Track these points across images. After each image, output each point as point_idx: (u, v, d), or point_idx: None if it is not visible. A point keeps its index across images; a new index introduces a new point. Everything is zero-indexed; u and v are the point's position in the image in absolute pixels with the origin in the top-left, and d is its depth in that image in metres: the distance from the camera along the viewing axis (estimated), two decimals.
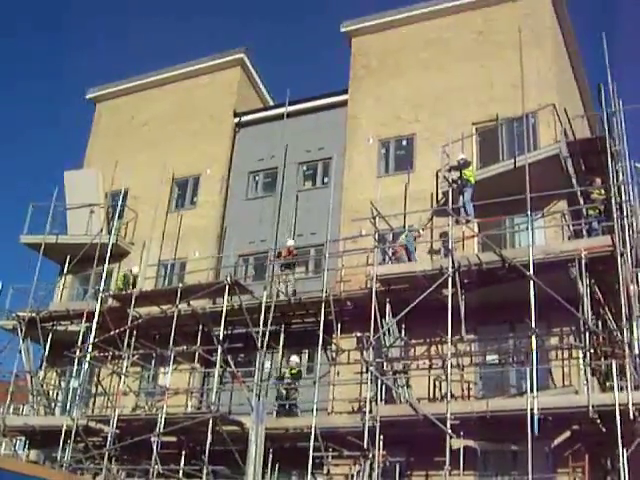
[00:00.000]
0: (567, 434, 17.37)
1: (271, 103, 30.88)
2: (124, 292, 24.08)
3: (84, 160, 31.20)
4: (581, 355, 17.91)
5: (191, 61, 30.51)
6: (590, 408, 16.04)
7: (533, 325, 17.07)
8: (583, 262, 17.42)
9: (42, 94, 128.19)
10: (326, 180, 25.13)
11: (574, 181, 20.67)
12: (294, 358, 21.47)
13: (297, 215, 24.45)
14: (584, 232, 19.68)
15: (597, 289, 18.27)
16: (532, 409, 16.26)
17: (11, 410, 25.74)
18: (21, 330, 25.12)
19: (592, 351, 17.57)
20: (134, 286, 24.73)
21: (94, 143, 31.59)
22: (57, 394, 26.73)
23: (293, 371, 21.30)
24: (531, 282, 17.46)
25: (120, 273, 25.99)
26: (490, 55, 23.78)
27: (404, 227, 22.08)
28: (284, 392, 21.16)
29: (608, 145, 19.53)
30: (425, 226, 21.88)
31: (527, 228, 19.07)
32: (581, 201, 20.48)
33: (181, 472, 20.88)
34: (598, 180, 20.07)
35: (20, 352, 25.15)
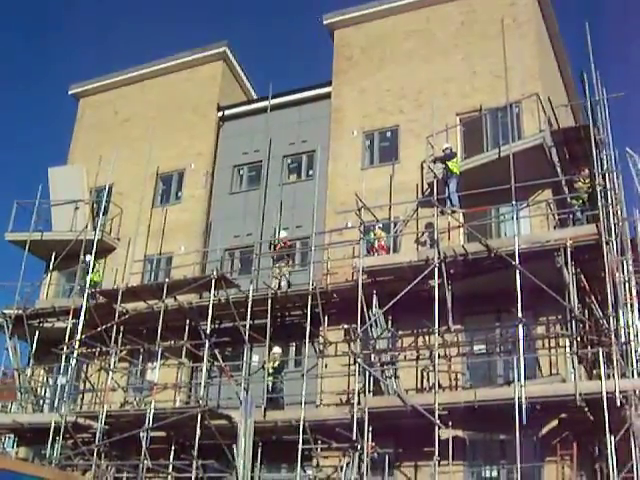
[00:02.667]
0: (555, 422, 17.48)
1: (255, 97, 30.78)
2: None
3: (68, 156, 31.04)
4: (568, 343, 17.98)
5: (173, 55, 30.38)
6: (577, 396, 16.13)
7: (520, 314, 17.12)
8: (569, 251, 17.45)
9: (24, 91, 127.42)
10: (311, 173, 25.09)
11: (559, 170, 20.73)
12: (276, 349, 21.42)
13: (282, 208, 24.37)
14: (569, 221, 19.74)
15: (583, 277, 18.33)
16: (520, 398, 16.34)
17: None
18: (7, 328, 25.06)
19: (579, 339, 17.67)
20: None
21: (78, 139, 31.43)
22: (45, 391, 26.65)
23: (275, 363, 21.26)
24: (517, 272, 17.50)
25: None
26: (473, 45, 23.76)
27: (389, 218, 22.10)
28: (270, 385, 21.12)
29: (592, 134, 19.53)
30: (407, 219, 21.89)
31: (512, 218, 19.08)
32: (566, 190, 20.55)
33: (170, 467, 20.89)
34: (586, 170, 20.05)
35: (7, 350, 25.07)
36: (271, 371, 21.09)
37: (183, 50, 30.25)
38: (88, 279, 24.74)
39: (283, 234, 23.31)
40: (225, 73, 29.72)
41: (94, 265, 25.29)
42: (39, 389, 26.39)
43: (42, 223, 27.52)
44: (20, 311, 25.02)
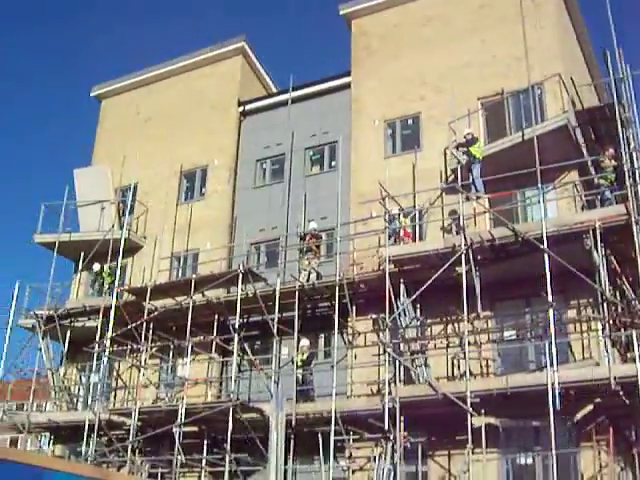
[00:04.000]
0: (590, 407, 17.26)
1: (274, 90, 30.72)
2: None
3: (92, 157, 31.19)
4: (600, 327, 17.73)
5: (192, 53, 30.42)
6: (612, 380, 15.89)
7: (550, 299, 16.92)
8: (598, 232, 17.22)
9: (48, 94, 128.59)
10: (333, 164, 25.02)
11: (584, 151, 20.46)
12: (304, 342, 21.40)
13: (306, 200, 24.33)
14: (597, 202, 19.49)
15: (613, 259, 18.06)
16: (552, 384, 16.15)
17: (34, 407, 25.90)
18: (40, 328, 25.27)
19: (611, 322, 17.37)
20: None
21: (101, 140, 31.58)
22: (78, 389, 26.88)
23: (304, 356, 21.24)
24: (545, 255, 17.30)
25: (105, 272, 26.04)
26: (492, 28, 23.48)
27: (413, 207, 21.97)
28: (300, 377, 21.10)
29: (617, 112, 19.21)
30: (428, 207, 21.76)
31: (539, 201, 18.89)
32: (592, 171, 20.27)
33: (204, 461, 21.00)
34: (611, 150, 19.74)
35: (40, 350, 25.26)
36: (300, 364, 21.07)
37: (201, 47, 30.28)
38: (116, 279, 24.94)
39: (313, 225, 23.24)
40: (244, 68, 29.70)
41: (105, 269, 25.69)
42: (72, 388, 26.61)
43: (69, 224, 27.72)
44: (51, 311, 25.22)
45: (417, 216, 22.03)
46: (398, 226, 21.28)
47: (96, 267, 25.89)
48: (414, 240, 21.19)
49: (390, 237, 21.53)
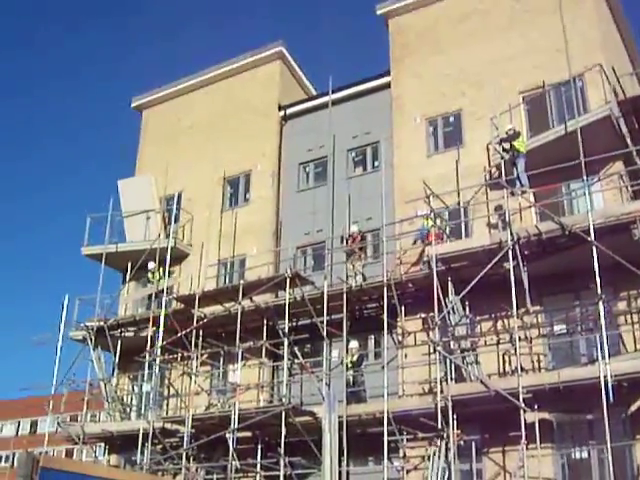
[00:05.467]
0: None
1: (314, 93, 30.74)
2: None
3: (136, 167, 31.53)
4: None
5: (231, 59, 30.57)
6: None
7: (599, 291, 16.79)
8: None
9: (93, 106, 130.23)
10: (376, 164, 25.05)
11: (628, 140, 20.25)
12: (353, 344, 21.41)
13: (351, 202, 24.35)
14: None
15: None
16: (605, 376, 16.02)
17: (88, 418, 26.18)
18: (91, 340, 25.55)
19: None
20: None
21: (144, 149, 31.88)
22: (131, 399, 27.10)
23: (353, 357, 21.24)
24: (593, 248, 17.16)
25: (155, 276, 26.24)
26: (530, 21, 23.34)
27: (458, 204, 21.92)
28: (350, 379, 21.13)
29: None
30: (466, 204, 21.69)
31: (584, 193, 18.73)
32: (638, 161, 20.05)
33: (258, 466, 21.09)
34: None
35: (92, 361, 25.54)
36: (350, 365, 21.10)
37: (240, 53, 30.42)
38: (165, 286, 25.14)
39: (353, 228, 23.28)
40: (283, 72, 29.77)
41: (156, 272, 25.87)
42: (125, 397, 26.86)
43: (116, 235, 27.94)
44: (102, 323, 25.49)
45: (462, 213, 21.96)
46: (424, 229, 21.31)
47: (151, 265, 25.95)
48: (442, 240, 21.03)
49: (415, 242, 21.60)
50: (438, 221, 21.34)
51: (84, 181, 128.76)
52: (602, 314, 16.83)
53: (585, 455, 18.14)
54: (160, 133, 31.56)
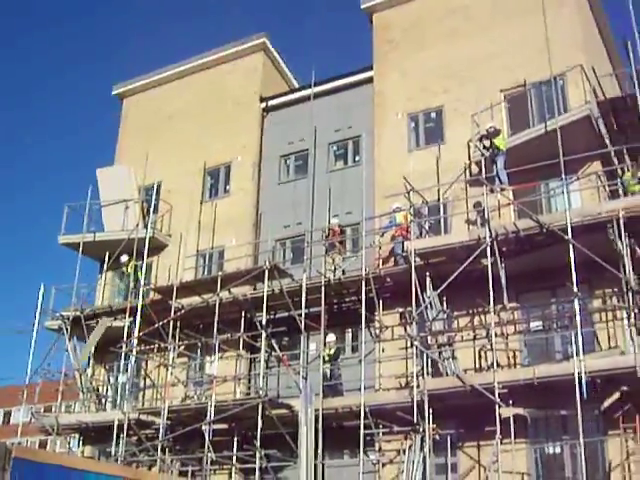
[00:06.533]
0: (616, 396, 17.25)
1: (297, 86, 30.69)
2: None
3: (115, 156, 31.36)
4: (625, 316, 17.72)
5: (213, 49, 30.48)
6: (638, 368, 15.93)
7: (575, 289, 16.95)
8: (622, 222, 17.21)
9: (70, 94, 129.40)
10: (357, 158, 25.07)
11: (607, 141, 20.43)
12: (331, 337, 21.46)
13: (331, 195, 24.40)
14: (620, 192, 19.47)
15: (637, 248, 18.04)
16: (579, 373, 16.20)
17: (63, 409, 26.05)
18: (66, 329, 25.37)
19: (636, 311, 17.38)
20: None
21: (124, 138, 31.70)
22: (107, 390, 26.98)
23: (330, 351, 21.32)
24: (570, 246, 17.32)
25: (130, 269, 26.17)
26: (513, 20, 23.44)
27: (438, 200, 22.04)
28: (327, 372, 21.21)
29: (639, 102, 19.19)
30: (444, 199, 21.81)
31: (562, 192, 18.92)
32: (615, 161, 20.25)
33: (234, 458, 21.12)
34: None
35: (67, 351, 25.39)
36: (327, 359, 21.17)
37: (223, 44, 30.35)
38: (142, 278, 25.12)
39: (333, 222, 23.34)
40: (266, 64, 29.71)
41: (132, 265, 25.81)
42: (101, 388, 26.75)
43: (94, 224, 27.81)
44: (78, 312, 25.35)
45: (441, 209, 22.08)
46: (392, 223, 21.47)
47: (124, 258, 25.87)
48: (406, 235, 21.19)
49: (383, 234, 21.83)
50: (410, 216, 21.39)
51: (63, 169, 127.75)
52: (577, 311, 17.01)
53: (558, 450, 18.34)
54: (140, 122, 31.40)
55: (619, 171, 20.01)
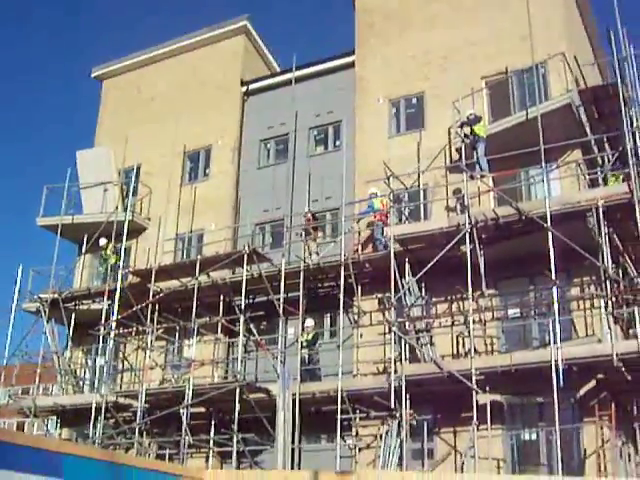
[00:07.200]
0: (592, 383, 17.43)
1: (278, 70, 30.58)
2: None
3: (95, 139, 31.15)
4: (603, 304, 17.80)
5: (194, 32, 30.27)
6: (614, 356, 16.03)
7: (553, 277, 17.02)
8: (601, 211, 17.28)
9: (48, 77, 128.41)
10: (338, 143, 25.05)
11: (588, 129, 20.50)
12: (309, 322, 21.48)
13: (311, 180, 24.36)
14: (600, 180, 19.55)
15: (616, 237, 18.12)
16: (556, 360, 16.28)
17: (40, 391, 25.97)
18: (44, 312, 25.25)
19: (614, 299, 17.48)
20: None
21: (103, 121, 31.50)
22: (84, 372, 26.94)
23: (309, 336, 21.35)
24: (549, 234, 17.38)
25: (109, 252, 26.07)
26: (496, 7, 23.43)
27: (418, 186, 22.04)
28: (305, 357, 21.23)
29: (620, 91, 19.24)
30: (423, 186, 21.83)
31: (542, 180, 18.97)
32: (595, 149, 20.31)
33: (211, 442, 21.14)
34: None
35: (45, 333, 25.27)
36: (305, 344, 21.19)
37: (204, 27, 30.15)
38: (121, 261, 25.02)
39: (306, 209, 23.33)
40: (247, 47, 29.57)
41: (110, 246, 25.69)
42: (78, 371, 26.68)
43: (73, 207, 27.65)
44: (56, 295, 25.22)
45: (421, 195, 22.08)
46: (370, 208, 21.50)
47: (102, 241, 25.74)
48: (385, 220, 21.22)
49: (359, 221, 21.85)
50: (389, 202, 21.41)
51: (41, 151, 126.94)
52: (555, 299, 17.08)
53: (534, 437, 18.47)
54: (120, 104, 31.20)
55: (599, 160, 20.06)
